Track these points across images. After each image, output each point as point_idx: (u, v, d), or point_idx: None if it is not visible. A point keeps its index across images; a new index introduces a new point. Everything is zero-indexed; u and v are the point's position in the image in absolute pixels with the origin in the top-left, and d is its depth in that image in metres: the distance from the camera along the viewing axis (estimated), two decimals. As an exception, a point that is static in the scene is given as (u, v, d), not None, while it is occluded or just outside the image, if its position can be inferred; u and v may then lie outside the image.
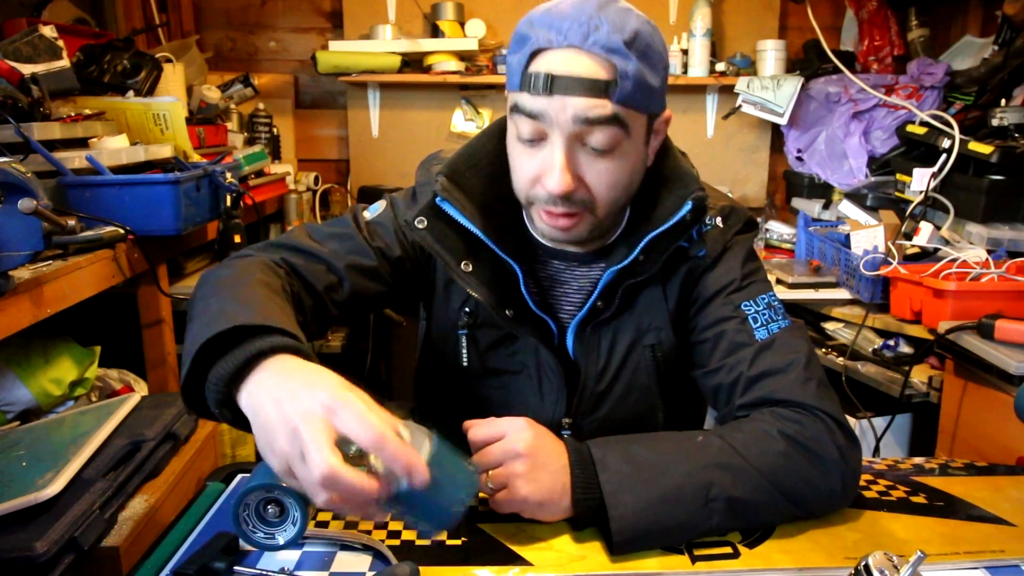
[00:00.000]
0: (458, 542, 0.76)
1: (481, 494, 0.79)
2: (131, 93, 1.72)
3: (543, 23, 0.79)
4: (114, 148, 1.43)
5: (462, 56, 2.51)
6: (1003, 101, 1.99)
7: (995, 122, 1.96)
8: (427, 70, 2.50)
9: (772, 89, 2.41)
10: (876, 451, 1.80)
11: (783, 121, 2.44)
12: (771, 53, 2.51)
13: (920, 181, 2.02)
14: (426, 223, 0.90)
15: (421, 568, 0.70)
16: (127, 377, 1.59)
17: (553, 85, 0.77)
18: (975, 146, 1.90)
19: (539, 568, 0.72)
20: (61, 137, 1.36)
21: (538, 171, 0.83)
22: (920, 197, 2.01)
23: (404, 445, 0.61)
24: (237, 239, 1.60)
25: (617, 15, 0.79)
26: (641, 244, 0.88)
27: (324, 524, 0.79)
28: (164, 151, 1.53)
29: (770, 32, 2.63)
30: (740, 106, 2.47)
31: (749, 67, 2.56)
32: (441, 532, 0.77)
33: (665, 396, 0.98)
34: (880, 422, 1.79)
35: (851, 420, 1.83)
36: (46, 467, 0.89)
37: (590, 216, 0.86)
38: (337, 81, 2.59)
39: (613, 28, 0.77)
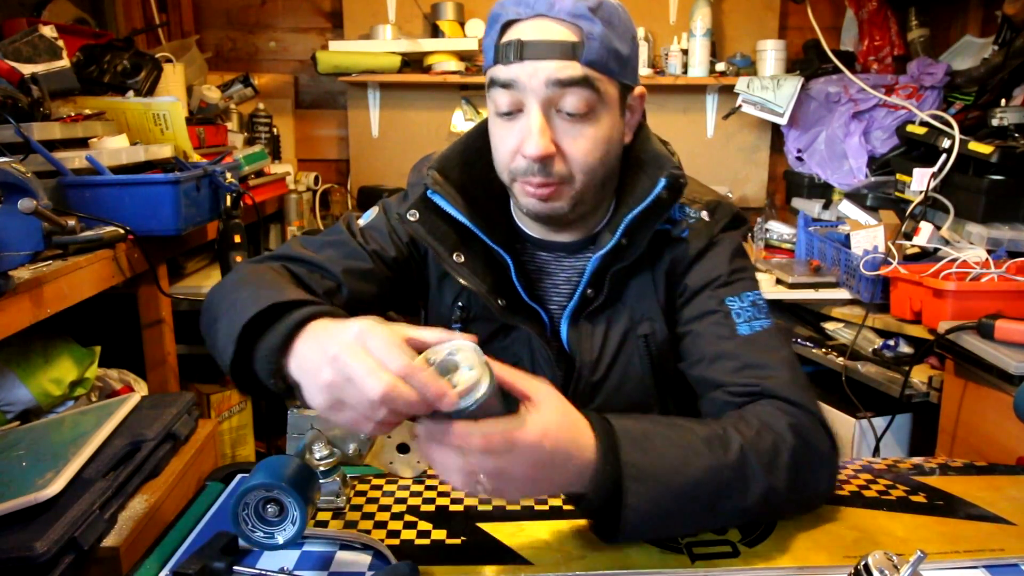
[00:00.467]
0: (458, 542, 0.76)
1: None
2: (131, 93, 1.72)
3: (513, 1, 0.84)
4: (114, 148, 1.43)
5: (462, 56, 2.51)
6: (1003, 101, 1.99)
7: (995, 122, 1.96)
8: (427, 70, 2.50)
9: (772, 89, 2.41)
10: (876, 451, 1.80)
11: (783, 121, 2.44)
12: (771, 53, 2.51)
13: (920, 181, 2.02)
14: (418, 215, 0.92)
15: (421, 568, 0.70)
16: (127, 377, 1.59)
17: (523, 51, 0.82)
18: (975, 146, 1.90)
19: (539, 568, 0.72)
20: (61, 137, 1.36)
21: (517, 143, 0.85)
22: (920, 197, 2.01)
23: (434, 374, 0.62)
24: (237, 239, 1.60)
25: None
26: (621, 227, 0.90)
27: (324, 524, 0.80)
28: (164, 151, 1.53)
29: (770, 32, 2.63)
30: (740, 106, 2.47)
31: (749, 67, 2.56)
32: None
33: (660, 387, 0.99)
34: (880, 422, 1.79)
35: (851, 420, 1.83)
36: (46, 467, 0.89)
37: (568, 188, 0.87)
38: (337, 81, 2.59)
39: None
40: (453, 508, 0.83)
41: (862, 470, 0.94)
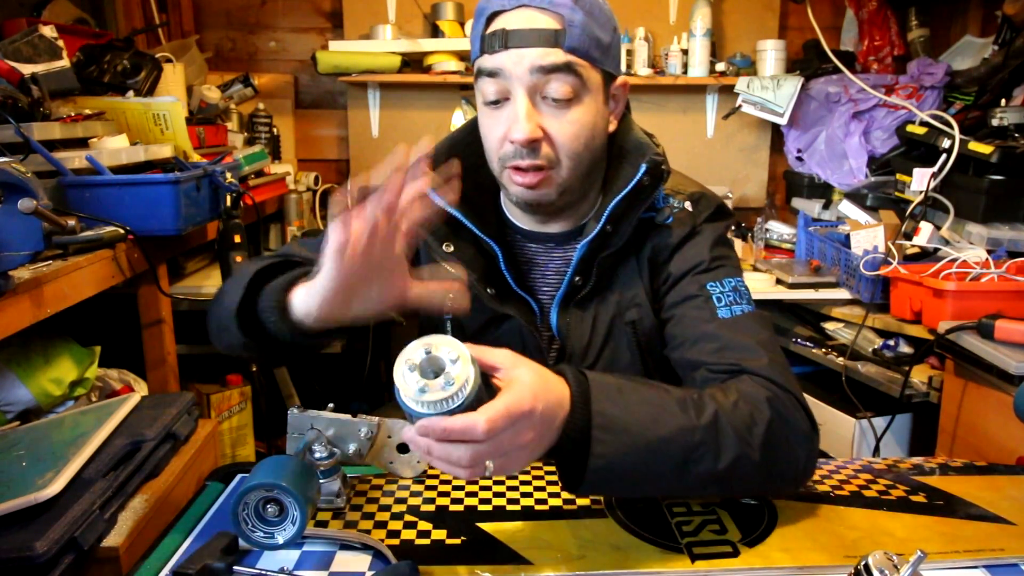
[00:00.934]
0: (458, 542, 0.76)
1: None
2: (131, 93, 1.72)
3: None
4: (114, 148, 1.43)
5: (462, 56, 2.51)
6: (1003, 101, 1.99)
7: (995, 122, 1.96)
8: (427, 70, 2.50)
9: (772, 89, 2.41)
10: (876, 451, 1.80)
11: (783, 121, 2.44)
12: (771, 53, 2.51)
13: (920, 181, 2.02)
14: None
15: (421, 568, 0.70)
16: (127, 377, 1.59)
17: (508, 40, 0.85)
18: (975, 146, 1.89)
19: (539, 568, 0.72)
20: (61, 137, 1.36)
21: (505, 130, 0.88)
22: (920, 197, 2.00)
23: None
24: (237, 239, 1.60)
25: None
26: (605, 213, 0.92)
27: (324, 524, 0.80)
28: (164, 151, 1.53)
29: (770, 32, 2.63)
30: (740, 106, 2.47)
31: (749, 67, 2.56)
32: None
33: (648, 373, 1.00)
34: (880, 422, 1.79)
35: (851, 420, 1.83)
36: (46, 467, 0.89)
37: (555, 174, 0.90)
38: (337, 81, 2.59)
39: None
40: (453, 508, 0.83)
41: (862, 470, 0.94)
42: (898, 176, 2.18)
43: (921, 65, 2.28)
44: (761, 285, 2.05)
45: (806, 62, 2.51)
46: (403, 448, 0.89)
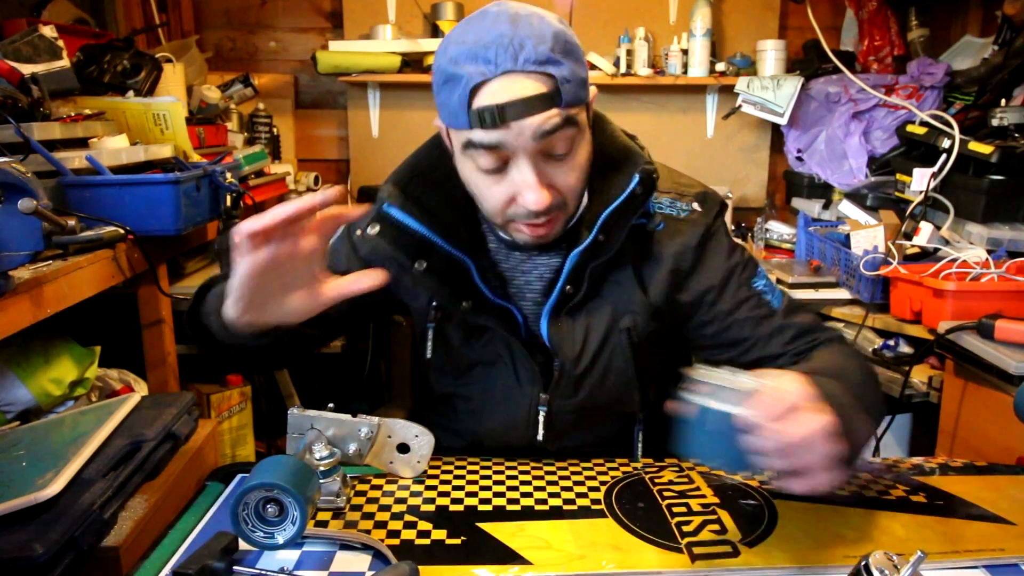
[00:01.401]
0: (458, 542, 0.76)
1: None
2: (131, 93, 1.72)
3: (468, 57, 0.80)
4: (114, 148, 1.43)
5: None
6: (1003, 101, 1.99)
7: (995, 122, 1.95)
8: (427, 70, 2.50)
9: (772, 89, 2.41)
10: (876, 451, 1.80)
11: (783, 121, 2.44)
12: (771, 53, 2.51)
13: (920, 181, 2.02)
14: (378, 229, 0.95)
15: (421, 568, 0.70)
16: (127, 377, 1.59)
17: (504, 114, 0.79)
18: (975, 146, 1.89)
19: (539, 568, 0.72)
20: (61, 137, 1.36)
21: (510, 193, 0.86)
22: (920, 197, 2.00)
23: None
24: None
25: (533, 26, 0.81)
26: (598, 223, 0.91)
27: (324, 524, 0.80)
28: (164, 151, 1.53)
29: (770, 32, 2.63)
30: (740, 106, 2.47)
31: (749, 67, 2.56)
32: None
33: (641, 378, 1.01)
34: (880, 422, 1.79)
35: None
36: (46, 467, 0.89)
37: (563, 214, 0.91)
38: (337, 81, 2.59)
39: (537, 40, 0.79)
40: (453, 508, 0.83)
41: (862, 470, 0.94)
42: (898, 176, 2.18)
43: (921, 65, 2.28)
44: (761, 285, 2.05)
45: (806, 62, 2.51)
46: (403, 448, 0.89)
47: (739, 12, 2.64)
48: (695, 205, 0.99)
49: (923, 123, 2.12)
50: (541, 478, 0.91)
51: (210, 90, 2.14)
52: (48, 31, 1.46)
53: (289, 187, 2.41)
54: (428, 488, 0.88)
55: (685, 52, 2.50)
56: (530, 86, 0.79)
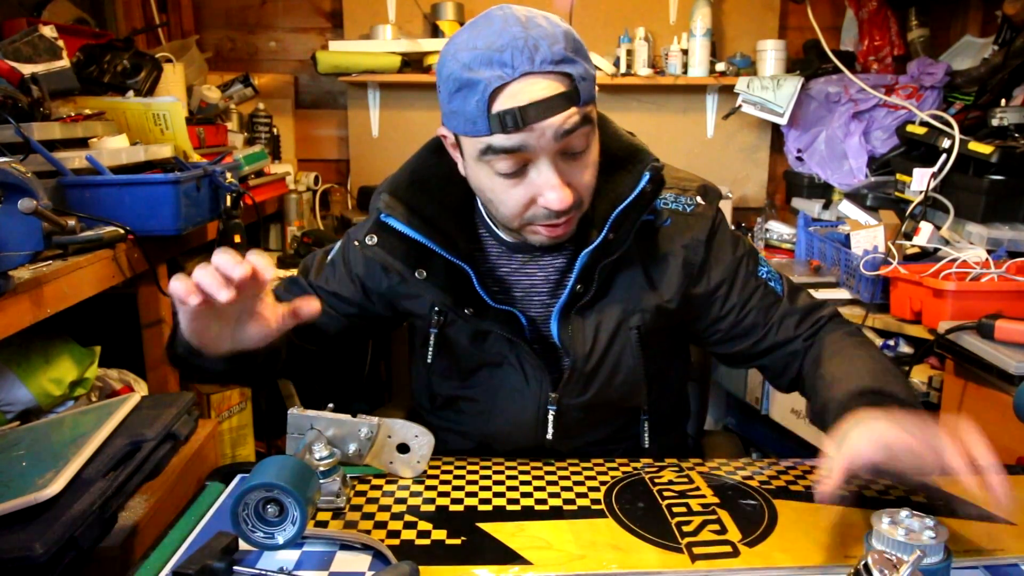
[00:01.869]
0: (458, 542, 0.76)
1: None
2: (131, 93, 1.72)
3: (482, 62, 0.80)
4: (114, 148, 1.43)
5: (462, 56, 2.51)
6: (1003, 101, 1.99)
7: (995, 122, 1.95)
8: (427, 70, 2.50)
9: (772, 89, 2.41)
10: (876, 451, 1.80)
11: (783, 121, 2.44)
12: (771, 53, 2.51)
13: (920, 181, 2.02)
14: (376, 239, 0.95)
15: (421, 568, 0.70)
16: (127, 377, 1.59)
17: (526, 117, 0.79)
18: (975, 146, 1.89)
19: (539, 568, 0.72)
20: (61, 137, 1.36)
21: (530, 195, 0.86)
22: (920, 197, 2.00)
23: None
24: (237, 239, 1.60)
25: (543, 27, 0.81)
26: (609, 222, 0.92)
27: (324, 524, 0.80)
28: (164, 151, 1.53)
29: (770, 32, 2.63)
30: (740, 106, 2.47)
31: (749, 67, 2.56)
32: None
33: (648, 375, 1.02)
34: (880, 422, 1.78)
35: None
36: (46, 467, 0.89)
37: (579, 213, 0.91)
38: (337, 81, 2.59)
39: (550, 40, 0.80)
40: (453, 508, 0.83)
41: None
42: (898, 176, 2.18)
43: (921, 65, 2.28)
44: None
45: (806, 62, 2.50)
46: (403, 448, 0.89)
47: (739, 12, 2.64)
48: (699, 199, 1.00)
49: (923, 123, 2.12)
50: (541, 478, 0.91)
51: (210, 90, 2.14)
52: (48, 31, 1.46)
53: (289, 187, 2.41)
54: (428, 488, 0.88)
55: (685, 52, 2.50)
56: (549, 86, 0.80)
